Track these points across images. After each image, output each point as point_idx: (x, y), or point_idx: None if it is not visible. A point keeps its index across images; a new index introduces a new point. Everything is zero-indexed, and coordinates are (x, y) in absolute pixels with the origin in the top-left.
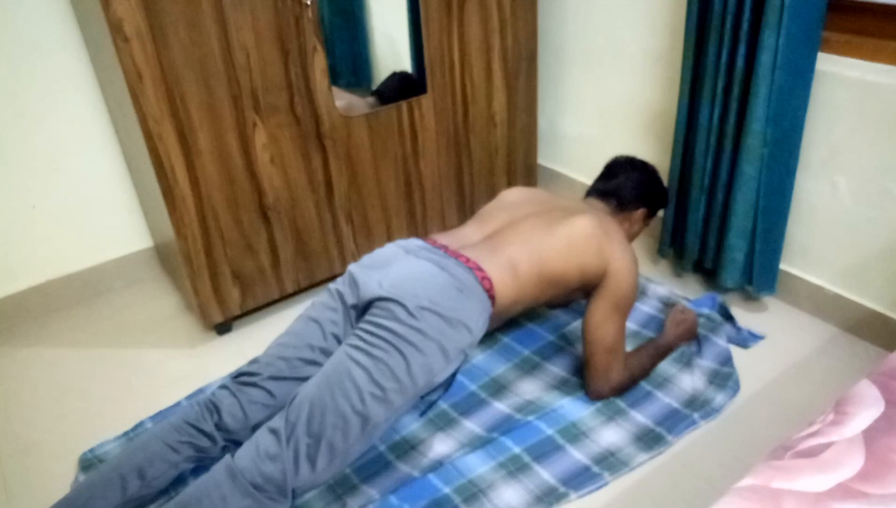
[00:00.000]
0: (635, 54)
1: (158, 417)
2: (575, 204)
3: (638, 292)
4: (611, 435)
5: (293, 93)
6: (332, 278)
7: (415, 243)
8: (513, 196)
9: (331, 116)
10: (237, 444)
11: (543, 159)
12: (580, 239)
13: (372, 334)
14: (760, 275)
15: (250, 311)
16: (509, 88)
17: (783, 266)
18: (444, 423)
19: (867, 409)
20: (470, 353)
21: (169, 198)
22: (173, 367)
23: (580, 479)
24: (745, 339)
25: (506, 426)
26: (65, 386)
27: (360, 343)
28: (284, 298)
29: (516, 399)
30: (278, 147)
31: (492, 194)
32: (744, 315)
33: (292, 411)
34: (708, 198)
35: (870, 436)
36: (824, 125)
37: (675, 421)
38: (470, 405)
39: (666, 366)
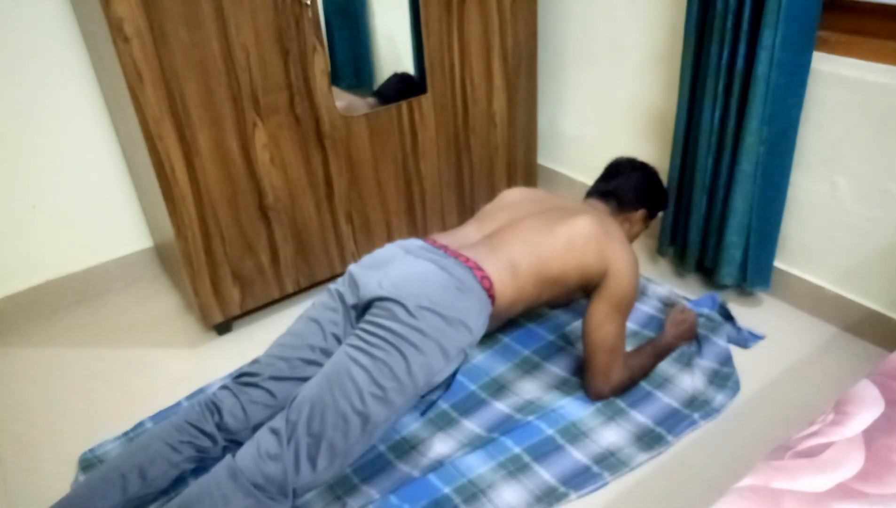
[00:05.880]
0: (635, 54)
1: (158, 417)
2: (575, 204)
3: (638, 293)
4: (611, 435)
5: (293, 93)
6: (332, 278)
7: (415, 243)
8: (513, 196)
9: (331, 116)
10: (238, 444)
11: (543, 159)
12: (580, 239)
13: (372, 334)
14: (755, 270)
15: (250, 311)
16: (509, 88)
17: (783, 266)
18: (444, 423)
19: (867, 409)
20: (470, 353)
21: (169, 198)
22: (173, 367)
23: (580, 479)
24: (745, 339)
25: (506, 426)
26: (65, 386)
27: (361, 343)
28: (284, 298)
29: (516, 399)
30: (278, 147)
31: (492, 194)
32: (743, 315)
33: (293, 411)
34: (709, 197)
35: (870, 436)
36: (824, 125)
37: (675, 421)
38: (470, 405)
39: (666, 366)
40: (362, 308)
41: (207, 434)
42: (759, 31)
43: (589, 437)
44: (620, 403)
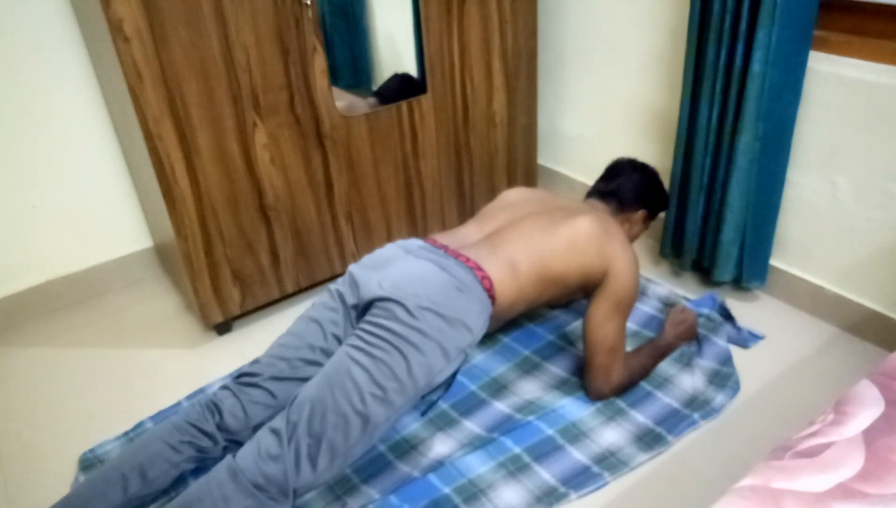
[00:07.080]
0: (635, 54)
1: (158, 417)
2: (576, 204)
3: (638, 293)
4: (611, 435)
5: (293, 93)
6: (332, 278)
7: (415, 243)
8: (513, 196)
9: (331, 115)
10: (238, 444)
11: (543, 159)
12: (581, 239)
13: (372, 334)
14: (751, 266)
15: (250, 311)
16: (509, 88)
17: (783, 266)
18: (444, 423)
19: (867, 409)
20: (470, 353)
21: (169, 198)
22: (173, 367)
23: (580, 479)
24: (745, 339)
25: (506, 426)
26: (65, 386)
27: (361, 343)
28: (284, 298)
29: (516, 399)
30: (278, 147)
31: (492, 194)
32: (743, 315)
33: (293, 411)
34: (706, 196)
35: (870, 436)
36: (824, 125)
37: (675, 421)
38: (470, 405)
39: (666, 366)
40: (363, 308)
41: (208, 434)
42: (755, 31)
43: (589, 437)
44: (620, 403)
